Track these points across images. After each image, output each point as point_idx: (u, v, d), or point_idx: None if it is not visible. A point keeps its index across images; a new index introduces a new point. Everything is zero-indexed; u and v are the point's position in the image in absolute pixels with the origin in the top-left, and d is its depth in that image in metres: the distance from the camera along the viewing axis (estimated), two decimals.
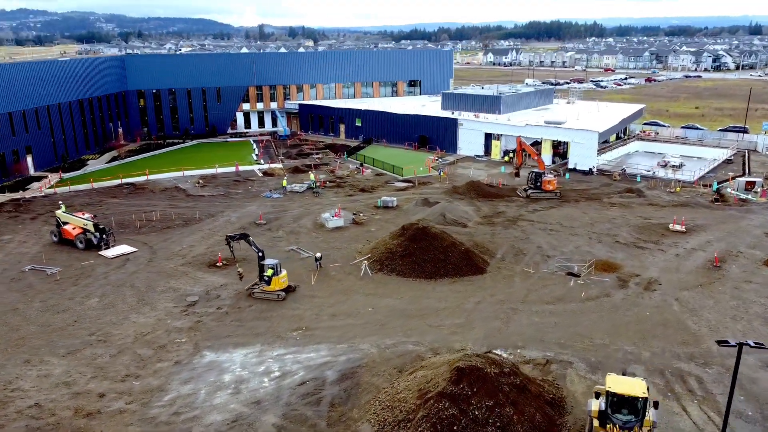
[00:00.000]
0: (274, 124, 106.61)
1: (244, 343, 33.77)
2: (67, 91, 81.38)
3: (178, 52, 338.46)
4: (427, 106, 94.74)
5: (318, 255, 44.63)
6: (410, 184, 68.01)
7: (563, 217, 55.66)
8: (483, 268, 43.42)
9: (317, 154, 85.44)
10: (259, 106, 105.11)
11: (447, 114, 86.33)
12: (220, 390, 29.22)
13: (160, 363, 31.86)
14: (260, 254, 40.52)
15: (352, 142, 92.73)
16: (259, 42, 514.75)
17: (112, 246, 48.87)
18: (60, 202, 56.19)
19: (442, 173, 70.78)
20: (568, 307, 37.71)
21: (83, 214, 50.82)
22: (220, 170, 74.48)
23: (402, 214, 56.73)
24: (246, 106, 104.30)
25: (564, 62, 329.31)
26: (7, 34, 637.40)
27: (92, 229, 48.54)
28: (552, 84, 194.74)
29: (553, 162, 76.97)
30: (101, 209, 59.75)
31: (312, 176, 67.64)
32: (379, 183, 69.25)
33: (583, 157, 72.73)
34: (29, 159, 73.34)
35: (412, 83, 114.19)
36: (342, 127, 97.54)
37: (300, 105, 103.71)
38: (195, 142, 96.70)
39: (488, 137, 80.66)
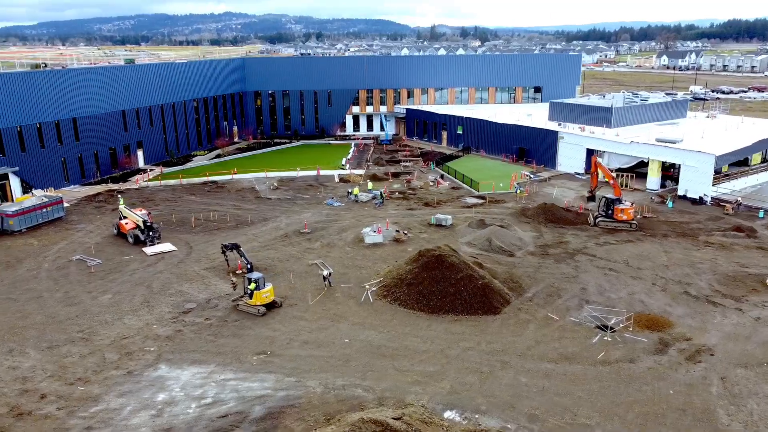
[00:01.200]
0: (383, 128, 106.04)
1: (201, 361, 32.91)
2: (185, 91, 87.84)
3: (328, 54, 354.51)
4: (534, 115, 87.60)
5: (326, 273, 42.62)
6: (481, 201, 63.02)
7: (636, 254, 47.56)
8: (498, 308, 38.26)
9: (408, 161, 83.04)
10: (369, 109, 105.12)
11: (552, 125, 78.99)
12: (145, 409, 28.54)
13: (116, 371, 32.11)
14: (249, 266, 39.58)
15: (451, 150, 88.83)
16: (425, 42, 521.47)
17: (157, 243, 51.20)
18: (119, 196, 60.37)
19: (519, 191, 64.64)
20: (571, 369, 31.65)
21: (140, 210, 53.89)
22: (302, 173, 75.34)
23: (450, 234, 52.50)
24: (356, 109, 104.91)
25: (753, 66, 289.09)
26: (211, 35, 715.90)
27: (141, 226, 51.33)
28: (724, 92, 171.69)
29: (663, 186, 66.71)
30: (173, 205, 63.22)
31: (370, 186, 65.53)
32: (449, 197, 65.13)
33: (695, 183, 61.93)
34: (140, 153, 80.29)
35: (535, 89, 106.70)
36: (444, 135, 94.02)
37: (407, 110, 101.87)
38: (301, 143, 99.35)
39: (590, 153, 72.22)
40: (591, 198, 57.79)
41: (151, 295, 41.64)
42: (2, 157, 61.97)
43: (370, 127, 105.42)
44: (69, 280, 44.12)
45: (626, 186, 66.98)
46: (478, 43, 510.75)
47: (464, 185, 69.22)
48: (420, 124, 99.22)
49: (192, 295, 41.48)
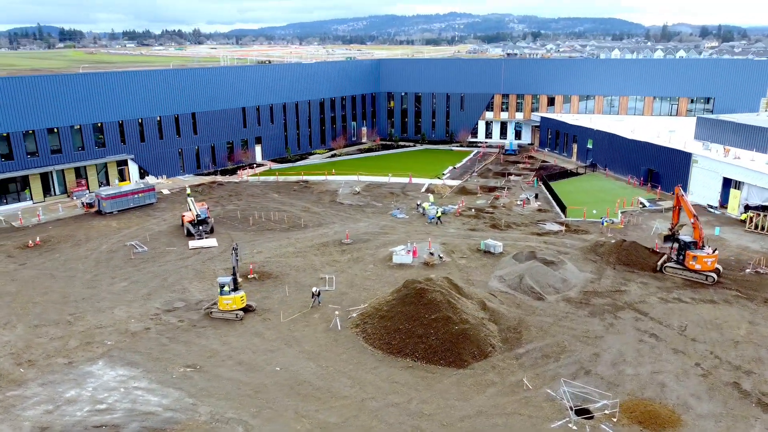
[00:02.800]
0: (518, 136, 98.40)
1: (135, 364, 32.95)
2: (312, 91, 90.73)
3: (536, 55, 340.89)
4: (678, 131, 73.61)
5: (315, 290, 40.14)
6: (560, 229, 54.60)
7: (706, 320, 36.97)
8: (465, 362, 32.33)
9: (518, 175, 75.61)
10: (504, 115, 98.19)
11: (694, 145, 65.66)
12: (46, 403, 29.28)
13: (64, 359, 33.63)
14: (234, 269, 38.74)
15: (577, 165, 78.86)
16: (649, 43, 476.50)
17: (205, 238, 53.23)
18: (188, 188, 63.65)
19: (606, 222, 54.63)
20: None
21: (202, 205, 56.55)
22: (393, 179, 72.88)
23: (491, 264, 46.23)
24: (489, 115, 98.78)
25: None
26: (432, 35, 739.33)
27: (194, 220, 53.84)
28: None
29: None
30: (253, 201, 65.35)
31: (431, 199, 60.43)
32: (526, 221, 57.56)
33: None
34: (258, 148, 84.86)
35: (703, 100, 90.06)
36: (575, 148, 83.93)
37: (541, 118, 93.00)
38: (423, 147, 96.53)
39: (728, 183, 58.56)
40: (670, 237, 46.46)
41: (159, 288, 43.18)
42: (123, 145, 69.91)
43: (503, 134, 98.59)
44: (107, 265, 47.81)
45: (763, 229, 52.95)
46: (715, 43, 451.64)
47: (556, 208, 60.78)
48: (553, 134, 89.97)
49: (190, 294, 42.12)
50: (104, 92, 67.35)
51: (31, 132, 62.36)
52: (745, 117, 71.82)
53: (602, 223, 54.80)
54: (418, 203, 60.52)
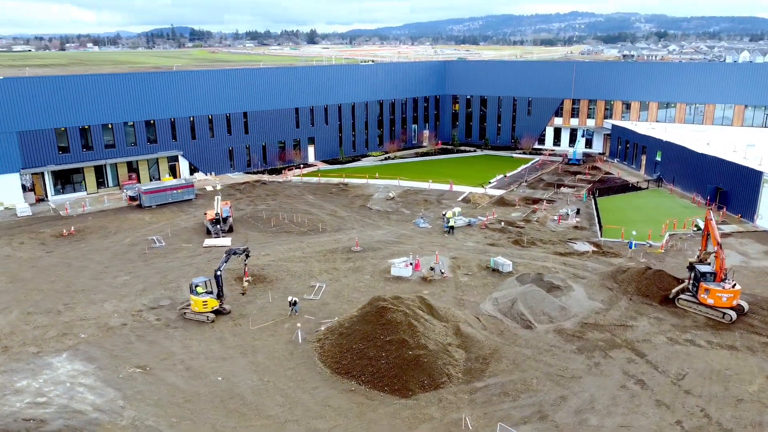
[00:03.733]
0: (588, 144, 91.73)
1: (94, 359, 33.52)
2: (370, 93, 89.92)
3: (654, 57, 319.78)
4: (759, 146, 64.74)
5: (290, 299, 39.09)
6: (589, 250, 49.65)
7: (710, 369, 31.74)
8: (411, 392, 29.83)
9: (571, 187, 70.16)
10: (573, 122, 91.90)
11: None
12: None
13: (35, 348, 34.94)
14: (217, 270, 38.55)
15: (644, 178, 71.92)
16: None
17: (222, 237, 53.89)
18: (218, 186, 64.45)
19: (636, 246, 48.91)
20: None
21: (226, 204, 57.34)
22: (432, 186, 70.26)
23: (492, 284, 42.87)
24: (558, 121, 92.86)
25: None
26: (549, 35, 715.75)
27: (215, 218, 54.73)
28: None
29: None
30: (286, 202, 65.49)
31: (456, 210, 56.97)
32: (555, 238, 52.93)
33: None
34: (311, 149, 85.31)
35: None
36: (643, 160, 76.64)
37: (612, 126, 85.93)
38: (483, 153, 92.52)
39: None
40: (695, 265, 40.45)
41: (155, 285, 44.03)
42: (174, 142, 72.84)
43: (572, 142, 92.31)
44: (121, 258, 49.64)
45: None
46: None
47: (596, 226, 55.53)
48: (623, 144, 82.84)
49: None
50: (157, 91, 70.50)
51: (87, 127, 66.55)
52: None
53: (630, 247, 49.28)
54: (444, 213, 57.72)
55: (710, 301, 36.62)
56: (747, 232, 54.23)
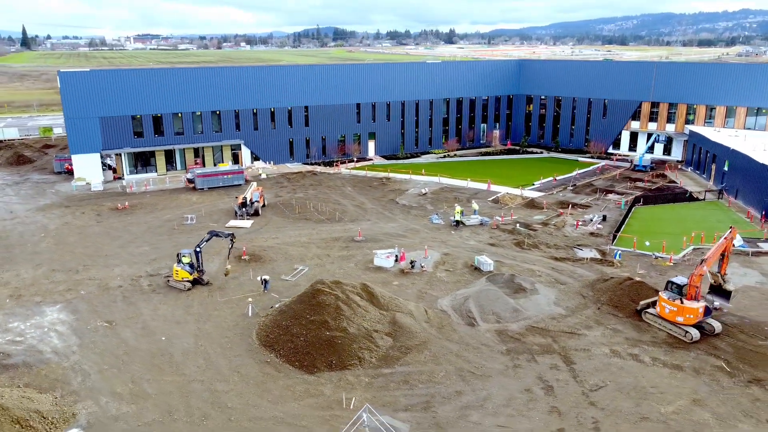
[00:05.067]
0: (667, 151, 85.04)
1: (79, 312, 38.50)
2: (436, 90, 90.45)
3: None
4: None
5: (260, 278, 41.87)
6: (588, 257, 47.08)
7: (635, 385, 29.76)
8: (316, 369, 31.31)
9: (620, 194, 66.00)
10: (651, 126, 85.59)
11: None
12: None
13: (40, 298, 40.79)
14: (197, 247, 42.38)
15: (709, 188, 65.84)
16: None
17: (246, 219, 58.11)
18: (263, 176, 68.24)
19: (620, 256, 45.63)
20: None
21: (257, 190, 61.57)
22: (471, 185, 69.61)
23: (465, 281, 42.59)
24: (635, 125, 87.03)
25: None
26: (710, 35, 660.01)
27: (243, 202, 59.13)
28: None
29: None
30: (324, 192, 68.45)
31: (458, 210, 55.92)
32: (563, 243, 50.69)
33: None
34: (371, 144, 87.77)
35: None
36: (713, 169, 69.92)
37: (690, 132, 78.95)
38: (550, 155, 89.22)
39: None
40: (716, 288, 37.02)
41: (166, 256, 48.79)
42: (237, 131, 78.92)
43: (651, 148, 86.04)
44: (152, 231, 55.48)
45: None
46: None
47: (614, 234, 52.38)
48: (698, 151, 76.01)
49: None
50: (223, 85, 76.87)
51: (159, 115, 74.42)
52: None
53: (615, 257, 46.15)
54: (462, 211, 57.49)
55: (678, 319, 33.95)
56: None
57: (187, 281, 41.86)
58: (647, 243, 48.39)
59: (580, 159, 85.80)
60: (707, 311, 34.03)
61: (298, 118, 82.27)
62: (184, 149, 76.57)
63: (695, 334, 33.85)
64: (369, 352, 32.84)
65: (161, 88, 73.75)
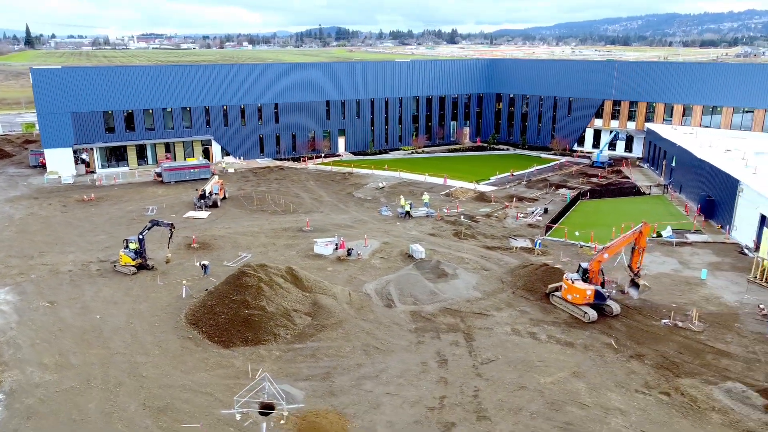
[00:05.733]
0: (628, 148, 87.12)
1: (25, 293, 40.92)
2: (405, 88, 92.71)
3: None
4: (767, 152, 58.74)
5: (205, 263, 44.26)
6: (518, 247, 49.32)
7: (524, 359, 32.05)
8: (232, 344, 33.67)
9: (572, 188, 68.17)
10: (614, 124, 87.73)
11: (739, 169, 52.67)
12: None
13: None
14: (140, 235, 44.79)
15: (651, 183, 67.97)
16: None
17: (204, 210, 60.51)
18: (224, 169, 70.66)
19: (538, 247, 48.05)
20: None
21: (217, 183, 63.98)
22: (429, 179, 71.88)
23: (396, 267, 44.86)
24: (598, 123, 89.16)
25: None
26: (714, 36, 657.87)
27: (202, 194, 61.56)
28: None
29: None
30: (285, 185, 70.81)
31: (403, 201, 58.22)
32: (500, 233, 52.96)
33: None
34: (341, 140, 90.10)
35: None
36: (664, 164, 72.04)
37: (647, 129, 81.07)
38: (516, 152, 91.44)
39: (764, 220, 46.38)
40: (634, 283, 39.13)
41: (120, 244, 51.35)
42: (208, 127, 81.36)
43: (611, 145, 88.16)
44: (112, 221, 57.79)
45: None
46: None
47: (554, 226, 54.61)
48: (653, 148, 78.13)
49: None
50: (194, 82, 79.36)
51: (130, 111, 76.92)
52: None
53: (536, 246, 48.43)
54: (410, 203, 59.80)
55: (576, 298, 36.27)
56: (714, 243, 50.46)
57: (132, 266, 44.28)
58: (576, 233, 50.63)
59: (542, 156, 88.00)
60: (598, 294, 36.23)
61: (268, 115, 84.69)
62: (155, 144, 79.10)
63: (592, 314, 36.11)
64: (285, 329, 35.21)
65: (132, 85, 76.24)
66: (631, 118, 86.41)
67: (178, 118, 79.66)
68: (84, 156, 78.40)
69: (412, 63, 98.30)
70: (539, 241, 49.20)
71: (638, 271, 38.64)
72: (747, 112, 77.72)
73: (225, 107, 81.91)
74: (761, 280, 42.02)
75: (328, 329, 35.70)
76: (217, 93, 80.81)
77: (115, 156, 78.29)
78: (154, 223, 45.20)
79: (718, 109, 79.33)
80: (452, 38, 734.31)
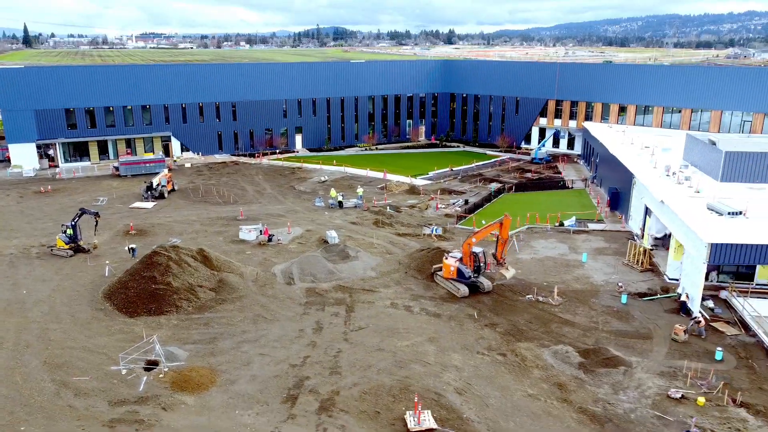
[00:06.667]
0: (570, 145, 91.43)
1: None
2: (361, 88, 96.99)
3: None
4: (675, 150, 62.82)
5: (133, 246, 48.47)
6: (430, 232, 53.58)
7: (391, 327, 36.28)
8: (136, 314, 37.94)
9: (501, 183, 72.42)
10: (557, 123, 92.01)
11: (676, 166, 56.88)
12: None
13: None
14: (72, 221, 49.02)
15: (579, 177, 72.26)
16: None
17: (150, 201, 64.76)
18: (175, 161, 74.93)
19: (434, 232, 52.95)
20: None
21: (165, 176, 68.22)
22: (371, 174, 76.25)
23: (305, 251, 49.11)
24: (543, 121, 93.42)
25: None
26: (710, 37, 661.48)
27: (150, 186, 65.83)
28: None
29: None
30: (233, 179, 75.05)
31: (333, 193, 62.53)
32: (416, 222, 57.25)
33: (689, 280, 38.39)
34: (298, 137, 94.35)
35: None
36: (592, 160, 76.33)
37: (583, 128, 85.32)
38: (465, 149, 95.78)
39: (647, 212, 50.61)
40: (500, 262, 43.12)
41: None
42: (167, 124, 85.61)
43: (556, 143, 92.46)
44: (63, 211, 61.77)
45: (642, 264, 45.70)
46: None
47: (467, 216, 58.91)
48: (587, 146, 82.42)
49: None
50: (153, 81, 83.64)
51: (91, 109, 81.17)
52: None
53: (431, 232, 52.83)
54: (341, 195, 64.03)
55: (440, 273, 41.08)
56: (610, 231, 54.75)
57: (66, 250, 48.48)
58: (483, 222, 54.83)
59: (489, 152, 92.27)
60: (459, 272, 40.51)
61: (225, 113, 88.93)
62: (116, 140, 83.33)
63: (464, 290, 40.36)
64: (188, 302, 39.45)
65: (93, 84, 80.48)
66: (572, 117, 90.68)
67: (138, 115, 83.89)
68: (51, 152, 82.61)
69: (368, 63, 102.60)
70: (435, 227, 53.52)
71: (502, 260, 42.30)
72: (676, 111, 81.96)
73: (183, 105, 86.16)
74: (634, 263, 46.28)
75: (227, 303, 39.96)
76: (176, 91, 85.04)
77: (78, 151, 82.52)
78: (83, 211, 49.42)
79: (650, 108, 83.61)
80: (449, 39, 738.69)
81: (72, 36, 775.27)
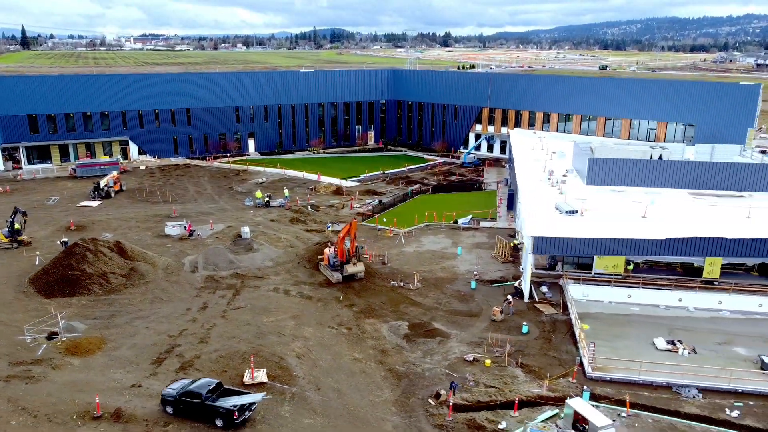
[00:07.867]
0: (503, 150, 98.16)
1: None
2: (311, 95, 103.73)
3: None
4: (567, 156, 69.55)
5: (65, 239, 55.02)
6: (334, 229, 60.28)
7: (264, 306, 42.89)
8: (52, 294, 44.58)
9: (424, 185, 79.11)
10: (491, 129, 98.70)
11: (561, 171, 63.56)
12: None
13: None
14: (10, 219, 55.66)
15: (495, 180, 78.97)
16: None
17: (97, 200, 71.40)
18: (142, 167, 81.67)
19: (331, 228, 59.74)
20: None
21: (113, 177, 74.86)
22: (306, 176, 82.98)
23: (223, 246, 55.75)
24: (479, 128, 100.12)
25: None
26: (707, 40, 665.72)
27: (98, 186, 72.52)
28: None
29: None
30: (180, 180, 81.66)
31: (258, 194, 69.26)
32: (330, 219, 63.86)
33: (524, 268, 45.04)
34: (251, 142, 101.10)
35: (684, 126, 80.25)
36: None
37: (509, 134, 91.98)
38: (407, 153, 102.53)
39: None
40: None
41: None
42: (125, 129, 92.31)
43: (490, 149, 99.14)
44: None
45: (504, 257, 52.32)
46: None
47: (377, 214, 65.63)
48: (510, 151, 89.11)
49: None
50: (110, 89, 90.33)
51: (53, 115, 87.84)
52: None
53: (328, 227, 59.57)
54: (268, 195, 70.67)
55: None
56: (496, 228, 61.35)
57: (6, 243, 55.02)
58: (384, 219, 61.55)
59: (427, 156, 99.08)
60: (330, 261, 47.18)
61: (180, 118, 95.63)
62: (76, 144, 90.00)
63: (337, 277, 46.95)
64: (99, 286, 46.08)
65: (55, 92, 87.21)
66: (504, 123, 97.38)
67: (97, 121, 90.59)
68: (15, 155, 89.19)
69: (318, 73, 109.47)
70: (330, 224, 60.26)
71: (352, 256, 47.88)
72: (593, 119, 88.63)
73: (140, 111, 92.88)
74: (499, 255, 52.91)
75: (134, 287, 46.58)
76: (131, 99, 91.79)
77: (41, 154, 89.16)
78: (16, 210, 55.98)
79: (570, 116, 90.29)
80: (445, 41, 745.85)
81: (71, 37, 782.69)
